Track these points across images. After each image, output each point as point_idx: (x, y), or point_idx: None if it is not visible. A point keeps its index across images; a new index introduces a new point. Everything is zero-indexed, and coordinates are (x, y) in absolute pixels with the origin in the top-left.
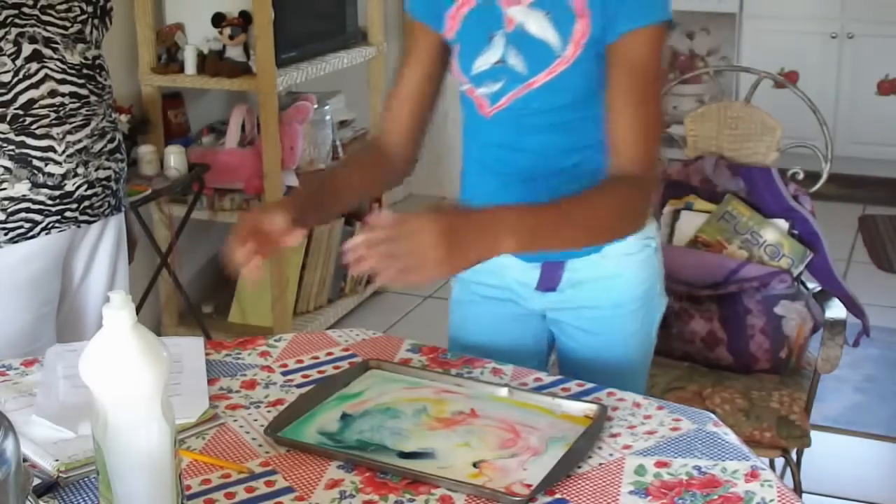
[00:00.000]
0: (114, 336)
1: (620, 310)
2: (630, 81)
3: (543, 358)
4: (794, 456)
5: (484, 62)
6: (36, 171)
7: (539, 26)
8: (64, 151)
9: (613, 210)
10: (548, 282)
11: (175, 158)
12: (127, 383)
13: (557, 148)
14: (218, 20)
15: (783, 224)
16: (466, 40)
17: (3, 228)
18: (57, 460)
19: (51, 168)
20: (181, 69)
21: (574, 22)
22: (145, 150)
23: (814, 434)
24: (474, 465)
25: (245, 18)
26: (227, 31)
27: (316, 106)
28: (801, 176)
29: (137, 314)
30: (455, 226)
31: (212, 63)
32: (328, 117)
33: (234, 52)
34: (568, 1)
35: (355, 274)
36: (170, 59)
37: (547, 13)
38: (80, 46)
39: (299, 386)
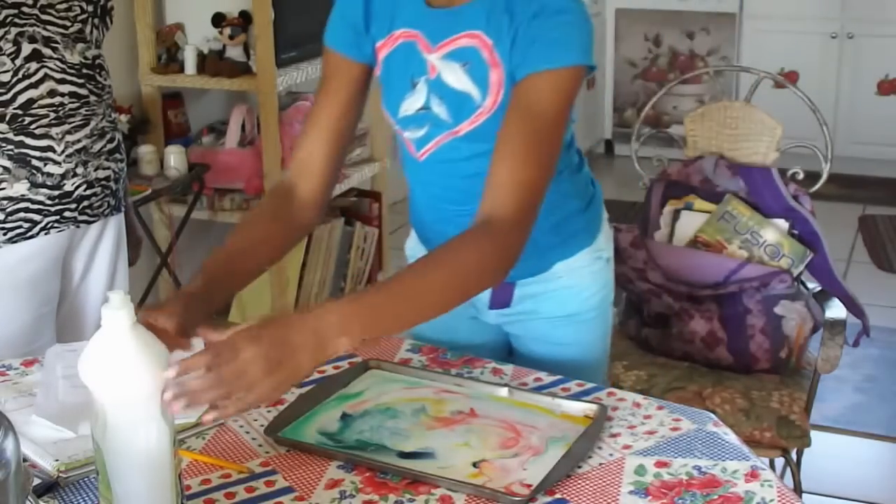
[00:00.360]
0: (113, 336)
1: (576, 318)
2: (523, 124)
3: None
4: (794, 456)
5: (409, 107)
6: (35, 171)
7: (456, 77)
8: (63, 151)
9: (466, 271)
10: (499, 300)
11: (175, 158)
12: (126, 383)
13: None
14: (218, 20)
15: (783, 224)
16: (389, 83)
17: (2, 228)
18: (57, 460)
19: (50, 168)
20: (181, 69)
21: (489, 73)
22: (145, 150)
23: (814, 434)
24: (474, 464)
25: (245, 18)
26: (227, 31)
27: None
28: (801, 176)
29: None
30: (280, 337)
31: (212, 63)
32: None
33: (234, 52)
34: (480, 53)
35: (175, 413)
36: (170, 59)
37: (464, 65)
38: (79, 46)
39: (299, 386)
